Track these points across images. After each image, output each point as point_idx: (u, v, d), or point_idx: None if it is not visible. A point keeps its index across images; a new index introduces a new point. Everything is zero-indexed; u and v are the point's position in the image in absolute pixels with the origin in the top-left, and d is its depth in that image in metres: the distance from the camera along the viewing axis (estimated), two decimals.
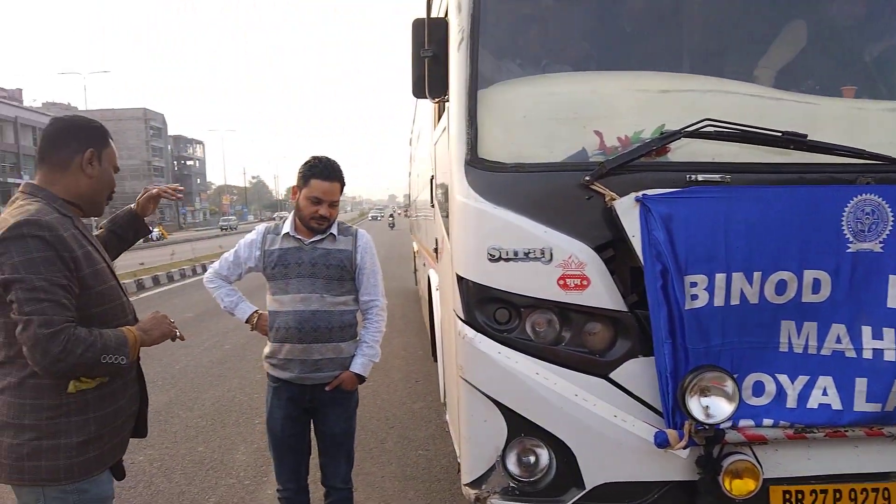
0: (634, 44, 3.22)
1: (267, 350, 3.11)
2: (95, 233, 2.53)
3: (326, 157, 3.06)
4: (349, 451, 3.19)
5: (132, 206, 2.65)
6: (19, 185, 3.46)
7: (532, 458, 2.72)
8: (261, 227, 3.24)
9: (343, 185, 3.05)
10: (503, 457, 2.70)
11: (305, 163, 3.04)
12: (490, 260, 2.64)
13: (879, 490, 2.66)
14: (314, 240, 3.04)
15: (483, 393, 2.70)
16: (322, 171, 2.98)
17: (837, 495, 2.64)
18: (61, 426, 2.01)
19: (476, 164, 2.72)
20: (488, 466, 2.72)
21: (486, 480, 2.71)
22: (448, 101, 2.95)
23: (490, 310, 2.69)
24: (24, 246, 1.90)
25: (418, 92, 3.07)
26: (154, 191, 2.71)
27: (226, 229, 66.28)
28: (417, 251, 9.26)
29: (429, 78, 2.97)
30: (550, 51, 3.23)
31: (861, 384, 2.57)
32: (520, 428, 2.68)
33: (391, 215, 57.24)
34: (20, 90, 70.09)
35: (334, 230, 3.07)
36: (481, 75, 2.81)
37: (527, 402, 2.65)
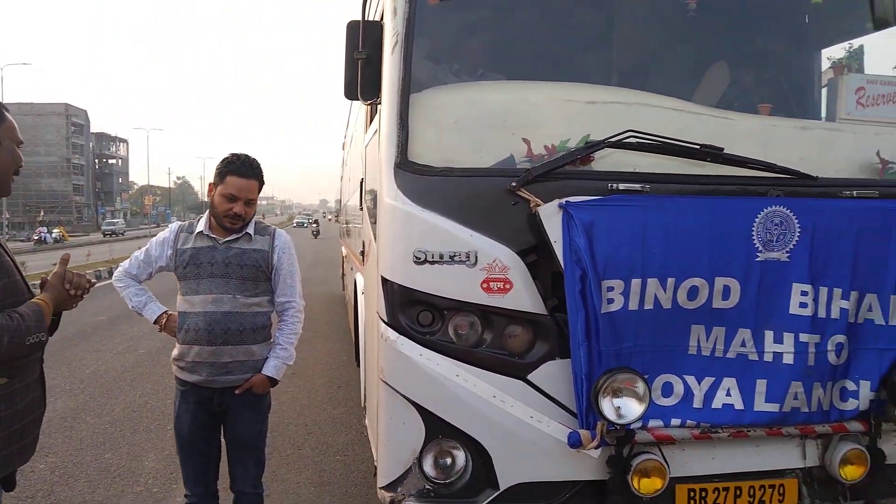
0: (566, 56, 3.33)
1: (175, 352, 3.02)
2: None
3: (245, 154, 3.00)
4: (259, 455, 3.12)
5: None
6: None
7: (449, 460, 2.73)
8: (174, 224, 3.13)
9: (261, 182, 2.99)
10: (420, 459, 2.71)
11: (223, 159, 2.97)
12: (416, 262, 2.65)
13: (776, 486, 2.82)
14: (229, 239, 2.96)
15: (403, 395, 2.70)
16: (239, 167, 2.92)
17: (738, 492, 2.78)
18: None
19: (405, 167, 2.73)
20: (404, 469, 2.72)
21: (402, 483, 2.71)
22: (380, 103, 2.96)
23: (413, 312, 2.70)
24: None
25: (350, 94, 3.06)
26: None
27: (110, 234, 54.35)
28: (346, 256, 9.19)
29: (361, 80, 2.97)
30: (484, 59, 3.30)
31: (761, 385, 2.73)
32: (438, 430, 2.69)
33: (315, 221, 48.87)
34: None
35: (250, 230, 3.00)
36: (414, 79, 2.83)
37: (446, 404, 2.67)
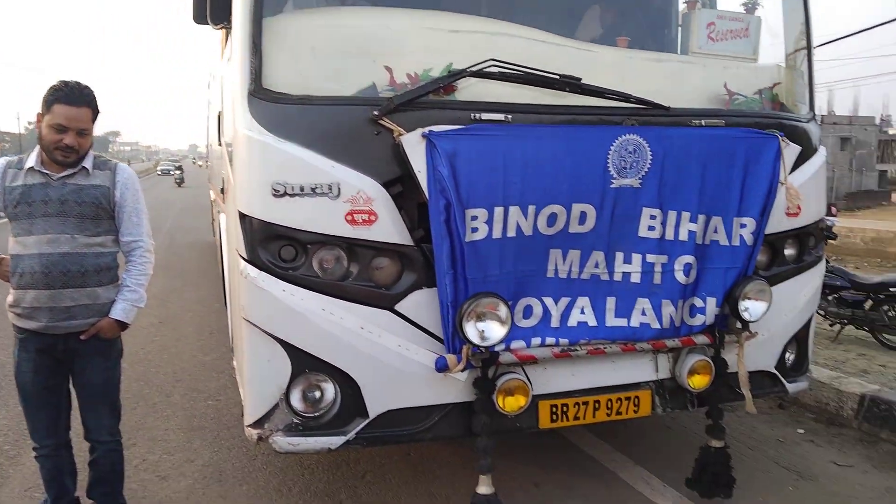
0: None
1: (10, 299, 2.75)
2: None
3: (75, 81, 2.70)
4: (113, 402, 2.95)
5: None
6: None
7: (317, 394, 2.72)
8: (1, 160, 2.81)
9: (95, 111, 2.72)
10: (287, 394, 2.68)
11: (50, 87, 2.67)
12: (274, 196, 2.55)
13: (631, 398, 3.04)
14: (64, 175, 2.70)
15: (266, 332, 2.63)
16: (67, 94, 2.64)
17: (597, 405, 2.97)
18: None
19: (260, 96, 2.59)
20: (271, 406, 2.68)
21: (269, 419, 2.67)
22: (231, 28, 2.77)
23: (274, 248, 2.61)
24: None
25: (199, 17, 2.86)
26: None
27: None
28: (214, 200, 8.75)
29: (210, 1, 2.76)
30: None
31: (611, 303, 2.90)
32: (304, 364, 2.66)
33: (180, 168, 42.77)
34: None
35: (88, 163, 2.74)
36: (268, 2, 2.66)
37: (312, 338, 2.63)
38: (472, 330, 2.58)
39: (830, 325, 6.31)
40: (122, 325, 2.84)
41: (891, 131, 48.76)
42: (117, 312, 2.80)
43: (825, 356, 5.50)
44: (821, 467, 3.78)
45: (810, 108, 3.42)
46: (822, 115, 33.23)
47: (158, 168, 58.71)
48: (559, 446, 3.95)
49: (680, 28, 3.91)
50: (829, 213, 6.53)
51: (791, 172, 3.13)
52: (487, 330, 2.61)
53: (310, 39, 2.75)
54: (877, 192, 31.84)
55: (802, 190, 3.19)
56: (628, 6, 3.67)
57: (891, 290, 6.00)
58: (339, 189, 2.57)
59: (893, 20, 3.51)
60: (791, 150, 3.08)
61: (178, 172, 39.33)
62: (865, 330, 6.18)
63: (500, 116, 2.73)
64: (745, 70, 3.38)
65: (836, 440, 4.16)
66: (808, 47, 3.41)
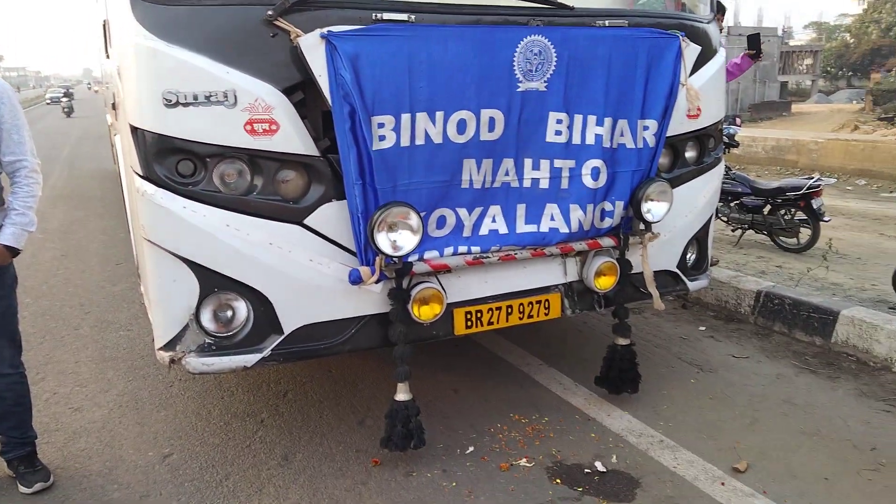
0: None
1: None
2: None
3: None
4: (12, 332, 2.79)
5: None
6: None
7: (229, 313, 2.66)
8: None
9: None
10: (197, 315, 2.60)
11: None
12: (166, 105, 2.39)
13: (542, 301, 3.12)
14: None
15: (170, 252, 2.53)
16: None
17: (509, 310, 3.04)
18: None
19: None
20: (181, 327, 2.61)
21: (180, 341, 2.60)
22: None
23: (171, 162, 2.47)
24: None
25: None
26: None
27: None
28: (111, 124, 8.20)
29: None
30: None
31: (521, 210, 2.93)
32: (213, 283, 2.59)
33: (67, 94, 34.94)
34: None
35: None
36: None
37: (218, 256, 2.55)
38: (383, 240, 2.56)
39: (732, 231, 6.61)
40: (14, 252, 2.66)
41: (792, 42, 50.56)
42: (6, 237, 2.62)
43: (727, 260, 5.81)
44: (720, 360, 4.06)
45: (711, 9, 3.45)
46: (729, 27, 34.12)
47: (47, 95, 49.97)
48: (477, 354, 4.07)
49: None
50: (733, 123, 6.77)
51: (692, 74, 3.18)
52: (399, 240, 2.59)
53: None
54: (778, 102, 33.28)
55: (703, 91, 3.25)
56: None
57: (787, 194, 6.27)
58: (235, 97, 2.43)
59: None
60: (691, 51, 3.12)
61: (65, 100, 32.91)
62: (765, 234, 6.49)
63: (404, 16, 2.62)
64: None
65: (734, 335, 4.46)
66: None
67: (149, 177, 2.48)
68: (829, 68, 53.90)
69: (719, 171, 3.65)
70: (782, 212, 6.38)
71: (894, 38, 48.01)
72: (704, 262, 3.73)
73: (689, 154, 3.46)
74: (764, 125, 26.61)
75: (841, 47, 54.04)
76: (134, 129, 2.48)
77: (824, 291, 4.76)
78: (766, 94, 33.57)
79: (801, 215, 6.29)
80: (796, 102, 37.02)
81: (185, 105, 2.41)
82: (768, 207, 6.44)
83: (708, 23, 3.38)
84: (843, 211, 8.61)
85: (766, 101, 32.84)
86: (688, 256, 3.62)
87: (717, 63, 3.39)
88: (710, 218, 3.68)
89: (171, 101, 2.39)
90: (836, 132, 22.42)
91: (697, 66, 3.23)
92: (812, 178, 6.36)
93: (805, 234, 6.27)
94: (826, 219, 6.21)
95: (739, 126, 7.96)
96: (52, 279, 5.83)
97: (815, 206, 6.15)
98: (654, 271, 3.34)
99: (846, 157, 12.38)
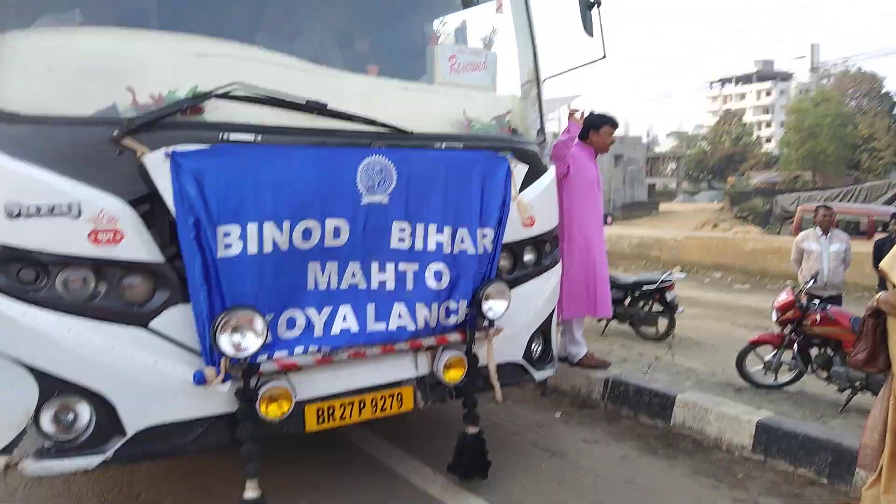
0: (181, 6, 3.30)
1: None
2: None
3: None
4: None
5: None
6: None
7: (70, 416, 2.65)
8: None
9: None
10: (36, 419, 2.58)
11: None
12: (9, 217, 2.48)
13: (394, 395, 3.28)
14: None
15: (8, 357, 2.53)
16: None
17: (362, 404, 3.17)
18: None
19: None
20: (19, 431, 2.57)
21: (17, 445, 2.56)
22: None
23: (12, 270, 2.53)
24: None
25: None
26: None
27: None
28: None
29: None
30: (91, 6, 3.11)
31: (371, 309, 3.14)
32: (53, 387, 2.59)
33: None
34: None
35: None
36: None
37: (59, 360, 2.57)
38: (226, 342, 2.66)
39: (598, 321, 7.01)
40: None
41: (657, 149, 55.74)
42: None
43: (593, 348, 6.11)
44: (571, 444, 4.32)
45: (540, 132, 3.94)
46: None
47: None
48: (339, 446, 4.11)
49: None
50: (605, 223, 7.38)
51: (523, 188, 3.60)
52: (243, 341, 2.70)
53: (47, 58, 2.68)
54: (647, 203, 36.23)
55: (535, 203, 3.68)
56: (385, 39, 3.99)
57: (644, 287, 6.82)
58: (79, 208, 2.55)
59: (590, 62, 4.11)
60: (520, 169, 3.54)
61: None
62: (627, 324, 6.94)
63: (250, 137, 2.86)
64: (483, 98, 3.82)
65: (586, 420, 4.75)
66: (537, 81, 3.94)
67: None
68: (691, 172, 59.62)
69: (556, 270, 4.04)
70: (641, 304, 6.87)
71: (743, 147, 54.10)
72: (549, 353, 4.03)
73: (528, 257, 3.83)
74: (635, 223, 28.78)
75: (700, 153, 60.17)
76: None
77: (678, 377, 5.17)
78: (635, 195, 36.58)
79: (658, 307, 6.82)
80: (664, 202, 40.50)
81: (28, 216, 2.50)
82: (629, 299, 6.91)
83: (537, 144, 3.85)
84: (700, 301, 9.38)
85: (635, 201, 35.73)
86: (533, 348, 3.91)
87: (546, 178, 3.84)
88: (552, 313, 4.02)
89: (13, 212, 2.48)
90: (698, 229, 24.54)
91: (528, 181, 3.66)
92: (666, 273, 7.00)
93: (663, 323, 6.78)
94: (679, 310, 6.76)
95: (610, 224, 8.64)
96: None
97: (668, 299, 6.71)
98: (502, 363, 3.60)
99: (703, 252, 13.60)
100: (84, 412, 2.66)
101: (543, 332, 3.97)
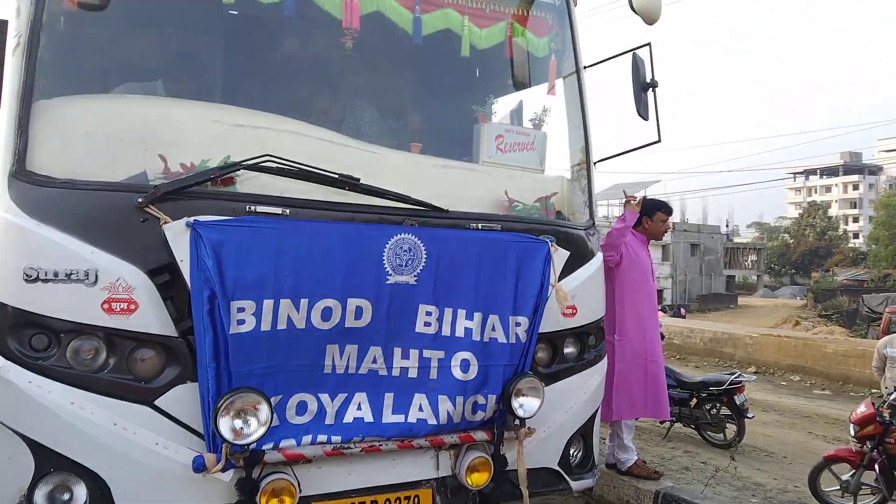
0: (216, 74, 3.34)
1: None
2: None
3: None
4: None
5: None
6: None
7: (66, 495, 2.52)
8: None
9: None
10: (29, 496, 2.46)
11: None
12: (26, 280, 2.45)
13: (411, 497, 3.01)
14: None
15: (7, 427, 2.44)
16: None
17: None
18: None
19: (21, 177, 2.54)
20: None
21: None
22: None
23: (25, 335, 2.48)
24: None
25: None
26: None
27: None
28: None
29: None
30: (132, 72, 3.18)
31: (389, 398, 2.92)
32: (50, 463, 2.48)
33: None
34: None
35: None
36: (45, 85, 2.66)
37: (58, 434, 2.47)
38: (226, 427, 2.50)
39: (660, 423, 6.49)
40: None
41: (737, 240, 54.14)
42: None
43: (653, 453, 5.73)
44: None
45: (590, 217, 3.73)
46: (674, 223, 36.49)
47: None
48: None
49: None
50: (678, 315, 6.99)
51: (566, 276, 3.37)
52: (245, 428, 2.53)
53: (85, 124, 2.73)
54: (725, 295, 34.85)
55: (578, 292, 3.42)
56: (431, 117, 3.94)
57: (711, 388, 6.28)
58: (96, 276, 2.50)
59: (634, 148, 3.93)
60: (561, 255, 3.32)
61: None
62: (692, 427, 6.40)
63: (278, 210, 2.78)
64: (528, 179, 3.67)
65: None
66: (588, 163, 3.77)
67: (1, 349, 2.46)
68: (772, 265, 57.34)
69: (601, 366, 3.73)
70: (708, 406, 6.34)
71: (829, 241, 51.78)
72: (590, 459, 3.67)
73: (568, 350, 3.54)
74: (711, 316, 27.60)
75: (782, 246, 57.99)
76: None
77: (742, 493, 4.67)
78: (712, 286, 35.30)
79: (726, 410, 6.26)
80: (743, 295, 38.87)
81: (45, 281, 2.46)
82: (694, 400, 6.39)
83: (584, 229, 3.64)
84: (775, 406, 8.69)
85: (713, 293, 34.44)
86: (571, 453, 3.57)
87: (592, 266, 3.59)
88: (595, 413, 3.69)
89: (31, 276, 2.45)
90: (778, 326, 23.21)
91: (572, 268, 3.43)
92: (734, 373, 6.46)
93: (731, 429, 6.21)
94: (750, 415, 6.20)
95: (684, 317, 8.19)
96: None
97: (738, 402, 6.15)
98: (534, 468, 3.28)
99: (780, 352, 12.72)
100: (80, 493, 2.53)
101: (584, 435, 3.62)
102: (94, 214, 2.56)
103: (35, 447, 2.46)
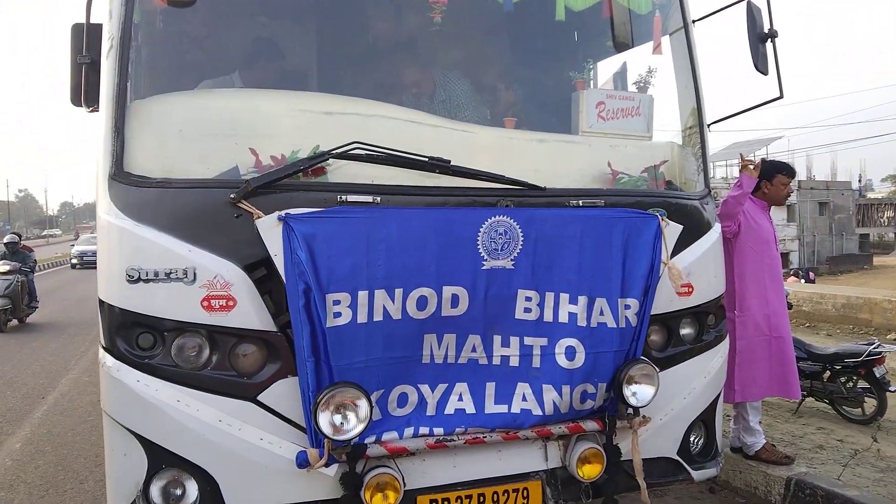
0: (303, 62, 3.28)
1: None
2: None
3: None
4: None
5: None
6: None
7: (179, 490, 2.58)
8: None
9: None
10: (144, 491, 2.54)
11: None
12: (129, 281, 2.49)
13: (519, 490, 2.87)
14: None
15: (122, 425, 2.52)
16: None
17: (481, 499, 2.81)
18: None
19: (120, 179, 2.57)
20: (129, 502, 2.54)
21: None
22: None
23: (131, 335, 2.53)
24: None
25: (75, 100, 2.91)
26: None
27: None
28: None
29: (86, 86, 2.80)
30: (218, 66, 3.18)
31: (490, 388, 2.79)
32: (161, 460, 2.54)
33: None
34: None
35: None
36: (138, 86, 2.70)
37: (167, 431, 2.51)
38: (325, 422, 2.46)
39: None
40: None
41: (870, 195, 49.58)
42: None
43: (783, 430, 5.33)
44: None
45: (704, 185, 3.40)
46: (800, 181, 33.90)
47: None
48: None
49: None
50: (806, 277, 6.43)
51: (680, 251, 3.08)
52: (345, 423, 2.48)
53: (176, 122, 2.74)
54: (858, 255, 32.10)
55: (694, 268, 3.13)
56: (526, 89, 3.71)
57: (846, 360, 5.75)
58: (194, 274, 2.50)
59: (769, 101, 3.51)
60: (672, 229, 3.04)
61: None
62: (826, 402, 5.91)
63: (369, 198, 2.69)
64: (634, 148, 3.38)
65: None
66: (701, 126, 3.43)
67: (110, 349, 2.54)
68: None
69: (723, 347, 3.42)
70: (843, 379, 5.80)
71: None
72: (713, 447, 3.40)
73: (685, 332, 3.26)
74: (844, 279, 25.54)
75: None
76: (101, 303, 2.57)
77: (887, 476, 4.21)
78: (844, 246, 32.55)
79: (863, 383, 5.71)
80: (879, 255, 35.60)
81: (147, 281, 2.49)
82: (828, 373, 5.87)
83: (699, 199, 3.32)
84: None
85: (844, 253, 31.78)
86: (691, 441, 3.31)
87: (710, 239, 3.28)
88: (717, 398, 3.39)
89: (133, 277, 2.48)
90: None
91: (686, 242, 3.14)
92: (872, 343, 5.88)
93: (871, 404, 5.66)
94: (892, 388, 5.62)
95: (813, 281, 7.53)
96: (80, 426, 5.93)
97: (877, 375, 5.58)
98: (652, 458, 3.07)
99: None
100: (192, 489, 2.58)
101: (705, 421, 3.35)
102: (190, 212, 2.56)
103: (146, 444, 2.52)
